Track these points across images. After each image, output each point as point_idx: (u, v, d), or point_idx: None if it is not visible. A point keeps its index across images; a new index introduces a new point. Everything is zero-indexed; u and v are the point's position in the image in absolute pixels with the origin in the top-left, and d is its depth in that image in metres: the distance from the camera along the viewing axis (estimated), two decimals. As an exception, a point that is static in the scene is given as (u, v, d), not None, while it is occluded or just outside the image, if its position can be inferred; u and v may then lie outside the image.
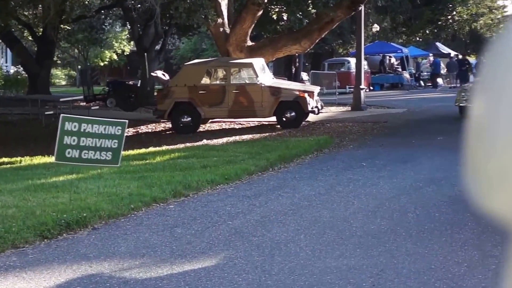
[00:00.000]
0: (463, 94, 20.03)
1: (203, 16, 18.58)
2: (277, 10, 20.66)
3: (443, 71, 45.93)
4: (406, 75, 41.53)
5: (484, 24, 61.17)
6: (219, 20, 21.12)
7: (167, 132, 19.82)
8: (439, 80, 44.28)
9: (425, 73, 42.85)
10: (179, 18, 18.37)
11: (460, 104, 20.15)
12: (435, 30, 20.16)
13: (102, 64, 50.55)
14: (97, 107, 27.63)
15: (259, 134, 17.65)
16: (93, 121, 8.81)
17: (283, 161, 12.52)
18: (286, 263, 6.13)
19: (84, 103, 28.74)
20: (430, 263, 6.00)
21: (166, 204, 9.01)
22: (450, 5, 21.52)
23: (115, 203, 8.50)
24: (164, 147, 14.87)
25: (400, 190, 9.52)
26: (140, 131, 20.40)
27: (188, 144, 15.61)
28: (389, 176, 10.70)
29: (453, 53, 44.63)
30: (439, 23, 21.38)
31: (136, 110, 26.25)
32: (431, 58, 42.35)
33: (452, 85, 41.86)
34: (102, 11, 34.36)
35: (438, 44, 49.55)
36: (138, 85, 28.65)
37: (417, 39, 27.03)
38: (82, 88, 30.09)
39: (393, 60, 42.92)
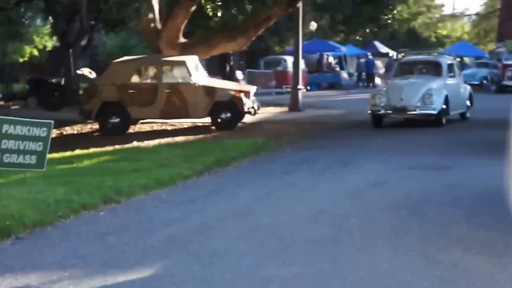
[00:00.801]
0: (377, 100, 18.46)
1: (135, 10, 18.41)
2: (212, 5, 20.65)
3: (381, 71, 46.74)
4: (344, 74, 42.10)
5: (422, 23, 62.53)
6: (150, 15, 20.98)
7: (95, 134, 19.58)
8: (377, 80, 44.95)
9: (365, 73, 43.49)
10: (109, 12, 18.16)
11: (377, 112, 18.55)
12: (375, 29, 20.50)
13: (21, 60, 49.50)
14: (17, 106, 27.09)
15: (193, 136, 17.61)
16: (16, 122, 8.61)
17: (219, 164, 12.52)
18: (226, 272, 6.12)
19: (2, 102, 28.12)
20: (375, 270, 6.09)
21: (96, 211, 8.88)
22: (391, 3, 21.87)
23: (41, 210, 8.33)
24: (92, 150, 14.68)
25: (342, 195, 9.63)
26: (65, 133, 20.10)
27: (117, 147, 15.45)
28: (330, 180, 10.82)
29: (392, 53, 45.47)
30: (380, 21, 21.70)
31: (60, 110, 25.83)
32: (370, 57, 43.02)
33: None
34: (22, 3, 33.63)
35: (376, 43, 50.38)
36: (62, 83, 28.20)
37: (357, 37, 27.35)
38: (0, 86, 29.45)
39: (330, 59, 43.41)
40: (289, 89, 28.32)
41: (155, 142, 16.38)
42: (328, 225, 7.84)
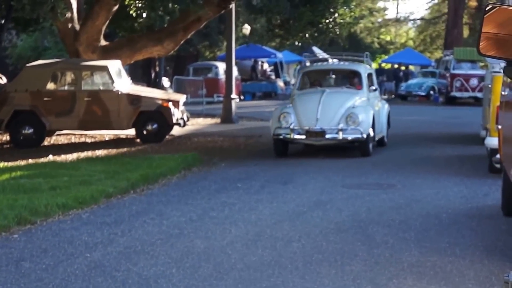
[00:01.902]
0: (283, 121, 15.72)
1: (50, 9, 18.18)
2: (136, 5, 20.55)
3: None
4: (280, 83, 42.44)
5: (364, 27, 63.56)
6: (68, 14, 20.75)
7: (5, 146, 19.23)
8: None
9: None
10: (21, 11, 17.89)
11: (284, 136, 15.73)
12: (315, 34, 20.70)
13: None
14: None
15: (116, 150, 17.46)
16: None
17: (146, 181, 12.45)
18: (157, 302, 6.09)
19: None
20: (321, 299, 6.15)
21: (9, 233, 8.73)
22: (332, 7, 22.13)
23: None
24: (2, 164, 14.41)
25: (282, 216, 9.70)
26: (-30, 145, 19.67)
27: (31, 161, 15.21)
28: (269, 200, 10.88)
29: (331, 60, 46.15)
30: (320, 25, 21.91)
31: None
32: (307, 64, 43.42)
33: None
34: None
35: (314, 48, 50.98)
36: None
37: (296, 43, 27.55)
38: None
39: (265, 66, 43.76)
40: (221, 99, 28.39)
41: (74, 156, 16.17)
42: (268, 249, 7.87)
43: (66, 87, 19.02)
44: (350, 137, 15.59)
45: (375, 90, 17.54)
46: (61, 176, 12.54)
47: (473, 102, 33.54)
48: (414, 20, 68.82)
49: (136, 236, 8.61)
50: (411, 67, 49.62)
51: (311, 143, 16.16)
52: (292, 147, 16.55)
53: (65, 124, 18.92)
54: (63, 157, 15.98)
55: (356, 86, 17.03)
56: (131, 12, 21.14)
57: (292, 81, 43.95)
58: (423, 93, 39.04)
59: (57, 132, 20.25)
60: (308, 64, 18.99)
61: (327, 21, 22.87)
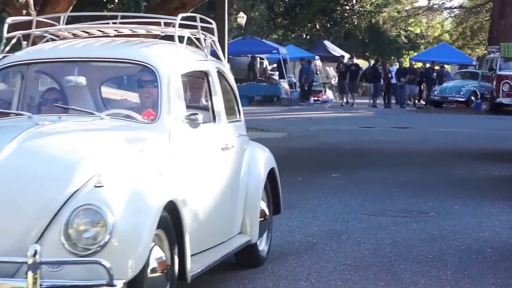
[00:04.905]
0: None
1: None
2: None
3: (333, 80, 47.24)
4: (284, 85, 42.38)
5: (388, 17, 63.42)
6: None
7: None
8: (329, 94, 45.51)
9: (317, 83, 43.96)
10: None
11: None
12: (328, 24, 20.61)
13: None
14: None
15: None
16: None
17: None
18: None
19: None
20: None
21: None
22: (349, -9, 22.21)
23: None
24: None
25: (286, 248, 9.64)
26: None
27: None
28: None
29: (347, 56, 46.00)
30: (333, 14, 21.90)
31: None
32: (318, 63, 43.51)
33: (346, 100, 43.23)
34: None
35: (326, 43, 50.73)
36: None
37: (304, 35, 27.62)
38: None
39: (266, 63, 43.71)
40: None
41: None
42: (269, 290, 7.86)
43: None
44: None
45: (235, 121, 8.89)
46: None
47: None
48: (451, 8, 68.29)
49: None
50: (446, 67, 49.47)
51: None
52: (298, 162, 16.52)
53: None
54: None
55: (143, 111, 7.50)
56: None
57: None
58: (462, 99, 38.97)
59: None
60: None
61: (343, 8, 22.91)
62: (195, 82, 8.32)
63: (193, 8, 23.33)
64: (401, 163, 17.90)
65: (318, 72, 44.36)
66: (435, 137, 22.30)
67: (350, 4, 21.33)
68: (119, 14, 8.73)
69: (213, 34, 8.72)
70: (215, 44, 8.74)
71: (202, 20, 8.28)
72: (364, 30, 51.24)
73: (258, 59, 42.92)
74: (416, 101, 44.11)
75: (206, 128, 7.56)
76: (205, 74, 8.16)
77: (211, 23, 8.82)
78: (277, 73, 44.05)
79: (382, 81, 41.62)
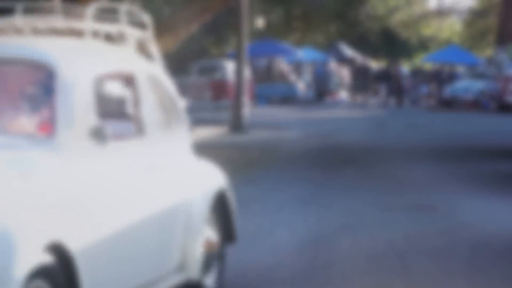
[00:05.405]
0: None
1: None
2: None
3: (347, 81, 47.36)
4: (301, 85, 42.48)
5: (400, 20, 63.42)
6: None
7: None
8: (343, 94, 45.60)
9: (331, 84, 44.06)
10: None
11: None
12: (342, 27, 20.67)
13: None
14: None
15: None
16: None
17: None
18: None
19: None
20: None
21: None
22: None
23: None
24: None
25: (303, 242, 9.63)
26: None
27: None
28: (288, 223, 10.82)
29: (360, 59, 46.15)
30: (348, 18, 21.96)
31: None
32: (332, 65, 43.58)
33: (359, 100, 43.36)
34: None
35: (341, 45, 50.81)
36: None
37: (320, 38, 27.67)
38: None
39: (283, 65, 43.78)
40: (229, 103, 28.39)
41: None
42: (286, 282, 7.83)
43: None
44: None
45: (173, 135, 7.07)
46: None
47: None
48: (460, 12, 68.47)
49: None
50: (457, 68, 49.37)
51: None
52: (316, 159, 16.52)
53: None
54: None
55: (41, 123, 5.52)
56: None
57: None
58: (470, 98, 38.88)
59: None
60: None
61: (357, 12, 22.91)
62: (114, 88, 5.93)
63: (213, 13, 23.36)
64: (413, 159, 17.87)
65: (332, 74, 44.45)
66: (445, 135, 22.24)
67: (363, 9, 21.31)
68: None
69: (146, 29, 7.01)
70: (147, 42, 7.03)
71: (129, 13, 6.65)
72: (377, 33, 51.36)
73: (276, 61, 43.00)
74: (427, 100, 44.07)
75: (124, 145, 5.91)
76: (129, 78, 6.18)
77: (140, 17, 6.94)
78: (293, 74, 44.17)
79: (393, 81, 41.67)
